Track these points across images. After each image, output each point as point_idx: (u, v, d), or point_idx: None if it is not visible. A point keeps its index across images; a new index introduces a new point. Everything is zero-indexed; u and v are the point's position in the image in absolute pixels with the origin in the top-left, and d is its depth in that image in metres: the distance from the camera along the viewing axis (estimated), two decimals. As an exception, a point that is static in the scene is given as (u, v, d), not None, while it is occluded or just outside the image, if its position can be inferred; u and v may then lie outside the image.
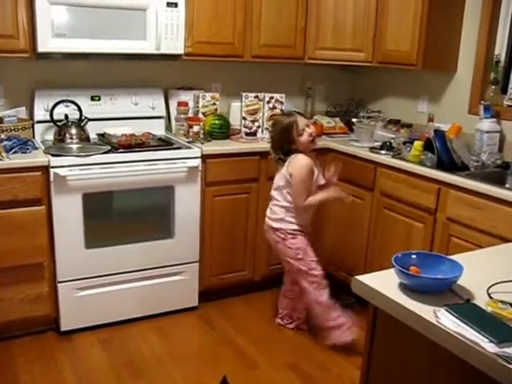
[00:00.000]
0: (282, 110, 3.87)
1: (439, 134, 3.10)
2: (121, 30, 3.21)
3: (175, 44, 3.34)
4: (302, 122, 2.98)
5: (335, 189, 3.06)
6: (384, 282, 1.51)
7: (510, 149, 3.27)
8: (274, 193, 3.08)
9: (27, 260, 2.96)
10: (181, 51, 3.37)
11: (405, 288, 1.47)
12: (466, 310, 1.35)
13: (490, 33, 3.39)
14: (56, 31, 3.04)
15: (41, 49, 3.02)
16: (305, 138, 2.96)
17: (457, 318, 1.30)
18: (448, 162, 3.02)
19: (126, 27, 3.21)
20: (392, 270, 1.51)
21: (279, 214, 3.04)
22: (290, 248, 3.01)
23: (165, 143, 3.33)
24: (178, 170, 3.21)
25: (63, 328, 3.15)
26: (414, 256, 1.53)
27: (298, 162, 2.94)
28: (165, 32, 3.29)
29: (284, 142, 2.97)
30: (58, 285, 3.08)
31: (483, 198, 2.72)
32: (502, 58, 3.39)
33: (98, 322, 3.22)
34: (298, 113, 3.13)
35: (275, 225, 3.05)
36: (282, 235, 3.01)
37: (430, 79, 3.77)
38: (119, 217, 3.20)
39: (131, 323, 3.30)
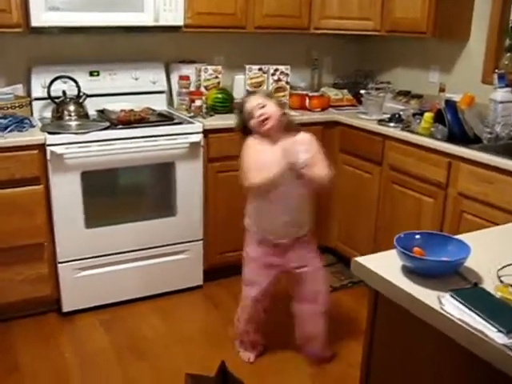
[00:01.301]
0: (287, 82, 3.75)
1: (450, 104, 2.96)
2: (118, 1, 3.09)
3: (174, 15, 3.21)
4: (251, 103, 2.48)
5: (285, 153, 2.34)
6: (386, 265, 1.41)
7: (525, 119, 3.12)
8: None
9: (26, 240, 2.90)
10: (180, 23, 3.24)
11: (408, 271, 1.37)
12: (473, 295, 1.24)
13: (505, -4, 3.22)
14: (50, 4, 2.92)
15: (34, 23, 2.91)
16: (253, 121, 2.46)
17: (463, 304, 1.20)
18: (459, 135, 2.89)
19: (123, -1, 3.09)
20: (395, 252, 1.41)
21: (246, 210, 2.72)
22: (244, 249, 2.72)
23: (165, 118, 3.22)
24: (179, 145, 3.11)
25: (65, 309, 3.10)
26: (417, 236, 1.42)
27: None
28: (163, 3, 3.15)
29: (241, 125, 2.58)
30: (59, 265, 3.02)
31: (497, 171, 2.59)
32: (518, 23, 3.22)
33: (100, 303, 3.16)
34: (258, 93, 2.66)
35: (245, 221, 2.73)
36: (246, 233, 2.73)
37: (441, 48, 3.61)
38: (119, 195, 3.12)
39: (134, 303, 3.24)
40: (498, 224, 2.60)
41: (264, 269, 2.60)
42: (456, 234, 2.83)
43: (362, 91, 3.80)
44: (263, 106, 2.44)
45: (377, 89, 3.88)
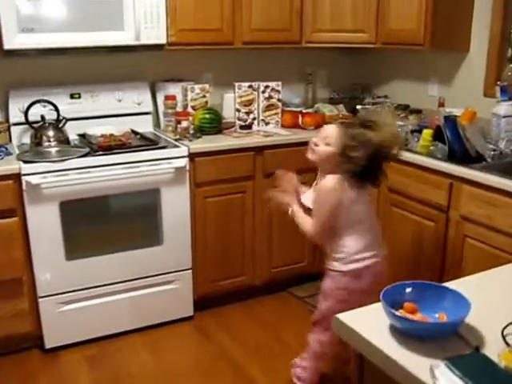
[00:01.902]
0: (279, 99, 3.57)
1: (450, 120, 2.77)
2: (96, 21, 2.94)
3: (157, 33, 3.05)
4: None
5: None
6: (372, 323, 1.22)
7: (530, 134, 2.93)
8: None
9: (3, 275, 2.73)
10: (163, 41, 3.08)
11: (398, 332, 1.18)
12: (473, 364, 1.06)
13: (506, 4, 3.03)
14: (23, 26, 2.77)
15: (7, 46, 2.77)
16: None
17: (460, 377, 1.02)
18: (460, 153, 2.70)
19: (102, 17, 2.94)
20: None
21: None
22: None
23: (148, 142, 3.05)
24: (163, 171, 2.94)
25: (47, 345, 2.93)
26: (408, 289, 1.23)
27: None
28: (144, 20, 3.00)
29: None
30: (39, 300, 2.85)
31: (501, 193, 2.41)
32: (520, 32, 3.04)
33: (85, 338, 2.99)
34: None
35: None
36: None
37: (439, 60, 3.43)
38: (101, 225, 2.94)
39: (121, 337, 3.06)
40: (503, 250, 2.44)
41: None
42: (459, 259, 2.68)
43: (359, 106, 3.63)
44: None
45: (374, 103, 3.72)
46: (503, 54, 3.08)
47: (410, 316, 1.16)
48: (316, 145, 2.27)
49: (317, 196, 2.29)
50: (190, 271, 3.18)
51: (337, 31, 3.45)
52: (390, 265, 3.02)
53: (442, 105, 3.21)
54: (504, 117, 2.92)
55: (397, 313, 1.15)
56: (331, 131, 2.25)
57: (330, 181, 2.21)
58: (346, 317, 1.24)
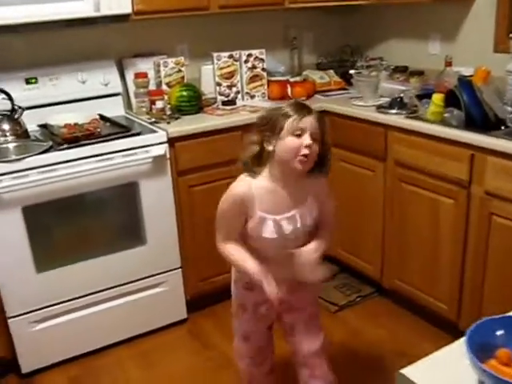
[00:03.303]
0: (263, 69, 3.19)
1: (465, 82, 2.43)
2: (47, -10, 2.51)
3: (119, 2, 2.63)
4: (304, 132, 1.67)
5: (270, 283, 1.74)
6: (452, 377, 0.89)
7: (551, 92, 2.60)
8: None
9: (-37, 296, 2.36)
10: (127, 10, 2.67)
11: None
12: None
13: None
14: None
15: None
16: (296, 157, 1.68)
17: None
18: (480, 119, 2.36)
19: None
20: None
21: None
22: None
23: (121, 129, 2.64)
24: (140, 161, 2.56)
25: (24, 370, 2.57)
26: (499, 333, 0.90)
27: (232, 186, 1.82)
28: (104, -13, 2.58)
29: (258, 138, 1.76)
30: (9, 320, 2.48)
31: (534, 164, 2.09)
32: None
33: (66, 357, 2.64)
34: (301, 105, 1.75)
35: None
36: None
37: (441, 12, 3.06)
38: (74, 228, 2.55)
39: (108, 351, 2.73)
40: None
41: None
42: (485, 240, 2.36)
43: (352, 71, 3.26)
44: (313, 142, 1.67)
45: (368, 66, 3.35)
46: (515, 2, 2.72)
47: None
48: (309, 146, 1.67)
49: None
50: (180, 270, 2.83)
51: (324, -12, 3.06)
52: (401, 251, 2.74)
53: (449, 64, 2.84)
54: (522, 74, 2.58)
55: (492, 373, 0.81)
56: (312, 123, 1.68)
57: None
58: (414, 370, 0.91)
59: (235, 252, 1.83)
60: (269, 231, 1.76)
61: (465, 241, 2.42)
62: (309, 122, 1.67)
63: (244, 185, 1.77)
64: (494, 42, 2.82)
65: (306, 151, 1.65)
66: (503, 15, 2.76)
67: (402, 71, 3.17)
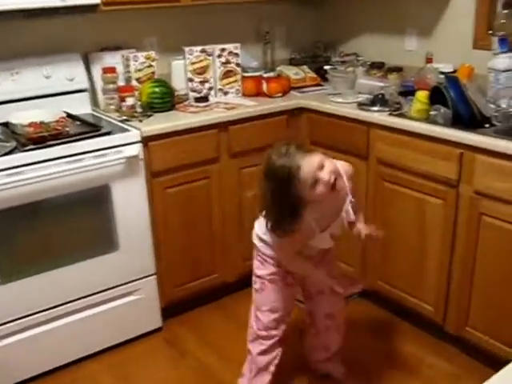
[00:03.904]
0: (237, 64, 3.06)
1: (452, 80, 2.37)
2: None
3: (87, -10, 2.46)
4: (309, 165, 1.74)
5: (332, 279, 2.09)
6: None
7: (531, 89, 2.57)
8: None
9: None
10: (95, 0, 2.49)
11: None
12: None
13: None
14: None
15: None
16: (320, 189, 1.76)
17: None
18: (467, 117, 2.31)
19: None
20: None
21: (256, 224, 2.08)
22: (254, 271, 2.13)
23: (90, 128, 2.46)
24: (112, 162, 2.39)
25: (-14, 391, 2.39)
26: None
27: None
28: (69, -26, 2.40)
29: (284, 203, 1.79)
30: (-31, 337, 2.29)
31: (527, 163, 2.04)
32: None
33: (33, 374, 2.45)
34: (297, 146, 1.80)
35: (253, 237, 2.10)
36: (256, 252, 2.11)
37: (418, 7, 3.00)
38: (42, 235, 2.35)
39: (81, 364, 2.55)
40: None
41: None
42: (474, 240, 2.29)
43: (327, 67, 3.17)
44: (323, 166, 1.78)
45: (343, 62, 3.28)
46: (495, -2, 2.69)
47: None
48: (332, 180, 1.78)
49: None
50: (155, 276, 2.68)
51: (299, -20, 2.96)
52: (388, 254, 2.67)
53: (429, 61, 2.79)
54: (504, 71, 2.54)
55: None
56: (315, 158, 1.78)
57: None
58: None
59: (303, 264, 2.05)
60: (325, 243, 2.04)
61: (453, 241, 2.36)
62: (316, 162, 1.75)
63: None
64: (474, 38, 2.79)
65: (332, 182, 1.76)
66: (483, 12, 2.72)
67: (378, 67, 3.11)
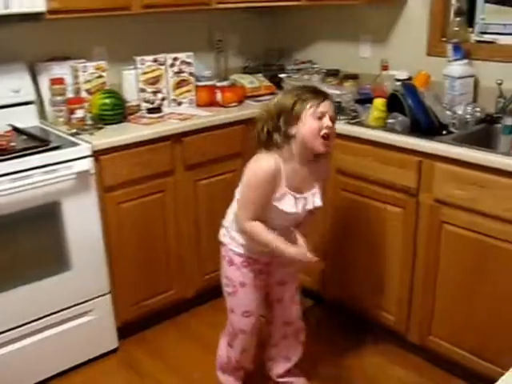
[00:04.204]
0: (191, 73, 2.99)
1: (409, 87, 2.36)
2: None
3: (32, -2, 2.34)
4: (324, 104, 1.83)
5: (303, 250, 1.91)
6: None
7: (485, 96, 2.59)
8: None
9: None
10: (41, 8, 2.37)
11: None
12: None
13: None
14: None
15: None
16: (318, 123, 1.81)
17: None
18: (425, 124, 2.31)
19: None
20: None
21: (226, 222, 2.08)
22: (224, 273, 2.11)
23: (38, 143, 2.33)
24: (62, 178, 2.28)
25: None
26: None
27: (258, 161, 1.89)
28: (13, -18, 2.28)
29: (276, 123, 1.84)
30: None
31: (486, 171, 2.04)
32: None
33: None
34: (317, 90, 1.90)
35: (221, 235, 2.10)
36: (224, 251, 2.13)
37: (371, 16, 3.00)
38: (-13, 257, 2.24)
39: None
40: (490, 236, 2.09)
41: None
42: (435, 248, 2.27)
43: (282, 75, 3.14)
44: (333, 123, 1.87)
45: (298, 70, 3.25)
46: (447, 6, 2.70)
47: None
48: (330, 127, 1.83)
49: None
50: (109, 296, 2.57)
51: (252, -12, 2.91)
52: (344, 261, 2.64)
53: (385, 68, 2.79)
54: (459, 78, 2.56)
55: None
56: (330, 106, 1.86)
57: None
58: None
59: (263, 231, 1.89)
60: (289, 205, 1.89)
61: (414, 250, 2.35)
62: (328, 105, 1.83)
63: (272, 160, 1.84)
64: (428, 45, 2.80)
65: (327, 131, 1.81)
66: (437, 20, 2.74)
67: (333, 75, 3.09)
